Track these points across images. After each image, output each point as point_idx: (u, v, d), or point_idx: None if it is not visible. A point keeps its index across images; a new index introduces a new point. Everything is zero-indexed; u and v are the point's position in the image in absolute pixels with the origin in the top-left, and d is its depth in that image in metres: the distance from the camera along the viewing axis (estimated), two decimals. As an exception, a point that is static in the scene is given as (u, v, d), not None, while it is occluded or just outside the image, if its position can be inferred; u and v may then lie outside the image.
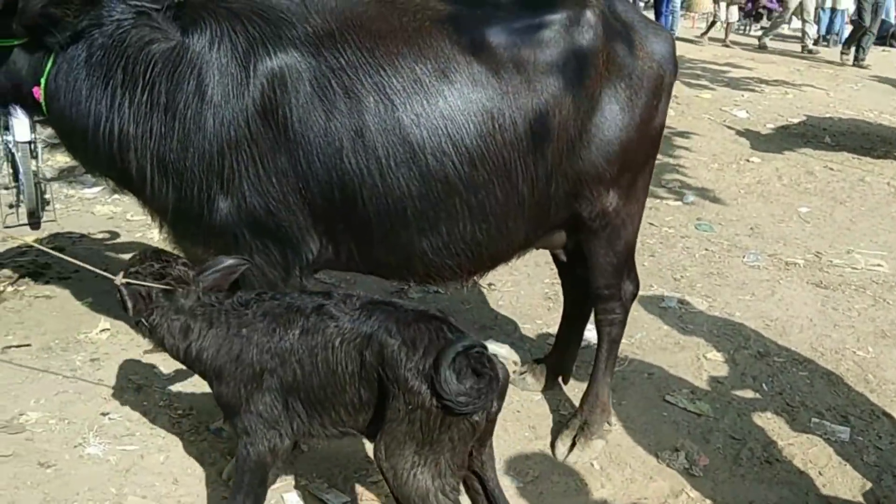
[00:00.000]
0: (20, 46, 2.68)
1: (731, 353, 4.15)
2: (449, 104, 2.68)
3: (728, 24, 15.78)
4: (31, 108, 2.86)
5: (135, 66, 2.61)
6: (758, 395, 3.77)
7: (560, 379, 3.77)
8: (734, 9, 15.79)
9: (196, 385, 3.65)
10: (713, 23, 15.93)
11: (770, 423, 3.57)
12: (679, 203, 6.39)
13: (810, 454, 3.36)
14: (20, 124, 4.73)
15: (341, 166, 2.64)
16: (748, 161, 7.75)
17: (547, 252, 3.56)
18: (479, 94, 2.70)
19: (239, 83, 2.59)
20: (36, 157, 5.10)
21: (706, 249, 5.53)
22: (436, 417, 2.17)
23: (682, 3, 16.43)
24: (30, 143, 4.89)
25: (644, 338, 4.27)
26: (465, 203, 2.79)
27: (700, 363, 4.04)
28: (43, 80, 2.68)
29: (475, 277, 3.18)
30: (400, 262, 2.94)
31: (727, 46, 15.20)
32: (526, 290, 4.81)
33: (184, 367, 3.70)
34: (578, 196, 2.99)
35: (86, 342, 3.87)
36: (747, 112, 9.78)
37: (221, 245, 2.76)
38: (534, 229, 3.05)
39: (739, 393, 3.79)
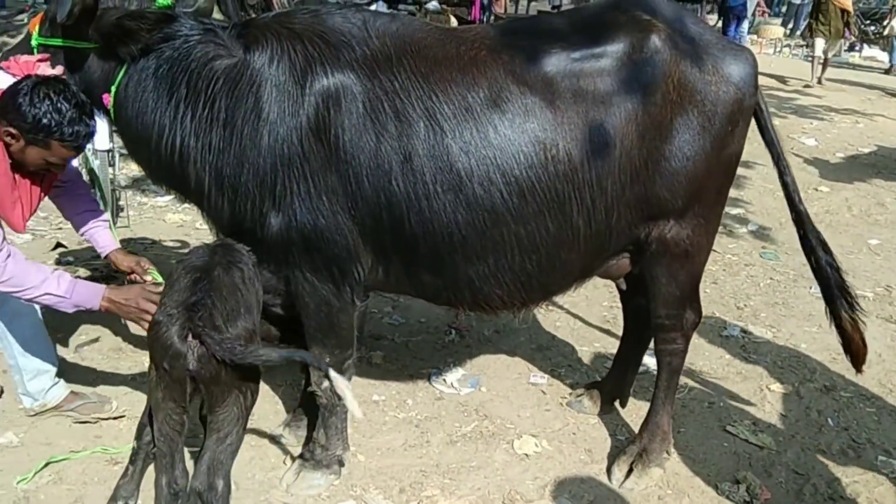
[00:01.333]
0: (95, 52, 2.80)
1: (795, 385, 4.05)
2: (499, 134, 2.67)
3: (826, 60, 13.81)
4: (103, 114, 2.97)
5: (198, 81, 2.70)
6: (823, 430, 3.67)
7: (617, 403, 3.73)
8: (840, 42, 13.65)
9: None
10: (825, 63, 13.80)
11: (835, 459, 3.47)
12: (743, 230, 6.28)
13: (876, 493, 3.25)
14: (99, 133, 4.94)
15: (389, 188, 2.67)
16: (816, 190, 7.57)
17: (606, 274, 3.54)
18: (531, 124, 2.69)
19: (294, 101, 2.65)
20: (113, 166, 5.31)
21: (771, 279, 5.42)
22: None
23: (749, 28, 16.23)
24: (108, 151, 5.10)
25: (705, 366, 4.20)
26: (514, 234, 2.77)
27: (763, 394, 3.95)
28: (113, 88, 2.79)
29: (528, 308, 3.15)
30: (447, 287, 2.94)
31: (819, 85, 13.54)
32: (584, 311, 4.78)
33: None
34: (643, 227, 2.95)
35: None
36: (816, 140, 9.58)
37: (273, 259, 2.83)
38: (591, 261, 3.01)
39: (804, 427, 3.70)
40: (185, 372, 2.35)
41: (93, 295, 2.78)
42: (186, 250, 5.17)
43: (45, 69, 2.78)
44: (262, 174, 2.68)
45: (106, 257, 3.25)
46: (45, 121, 2.59)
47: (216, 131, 2.70)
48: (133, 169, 6.46)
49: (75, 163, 3.20)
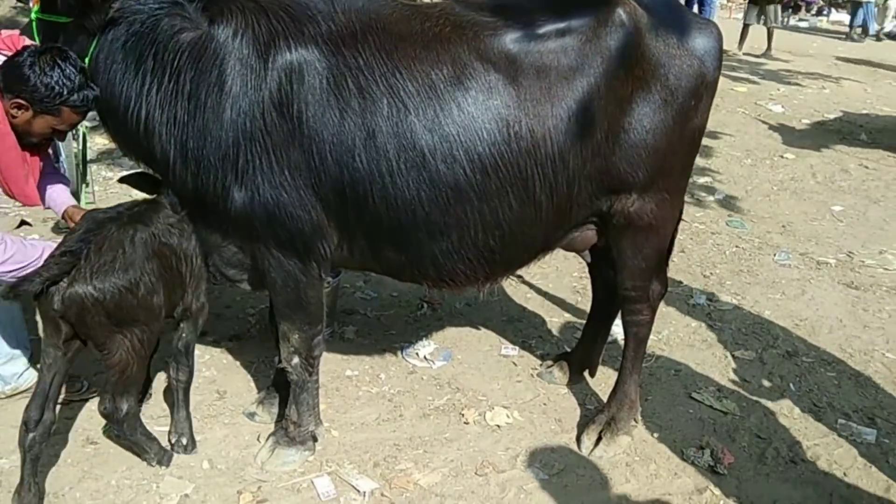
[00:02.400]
0: (70, 26, 2.76)
1: (759, 351, 4.15)
2: (462, 111, 2.67)
3: (771, 28, 13.49)
4: None
5: (164, 54, 2.68)
6: (785, 395, 3.78)
7: (587, 373, 3.80)
8: (777, 9, 13.34)
9: (230, 369, 3.75)
10: (746, 29, 13.64)
11: (796, 423, 3.57)
12: (710, 198, 6.37)
13: (836, 455, 3.37)
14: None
15: (353, 165, 2.67)
16: (782, 157, 7.68)
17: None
18: (494, 101, 2.69)
19: (257, 75, 2.63)
20: (77, 139, 5.22)
21: (737, 247, 5.52)
22: None
23: (719, -6, 16.22)
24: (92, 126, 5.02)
25: (672, 334, 4.29)
26: (476, 210, 2.79)
27: (727, 361, 4.05)
28: (87, 60, 2.77)
29: (491, 283, 3.18)
30: (411, 264, 2.96)
31: (768, 57, 13.32)
32: (554, 283, 4.84)
33: (219, 353, 3.82)
34: (605, 199, 2.98)
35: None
36: (783, 107, 9.68)
37: (238, 233, 2.84)
38: (553, 234, 3.05)
39: (766, 392, 3.80)
40: (50, 312, 2.61)
41: (41, 253, 3.02)
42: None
43: (29, 43, 2.78)
44: (224, 148, 2.67)
45: (63, 216, 3.26)
46: (57, 88, 2.67)
47: (181, 104, 2.68)
48: (98, 142, 6.37)
49: None
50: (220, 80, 2.63)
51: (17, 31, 2.97)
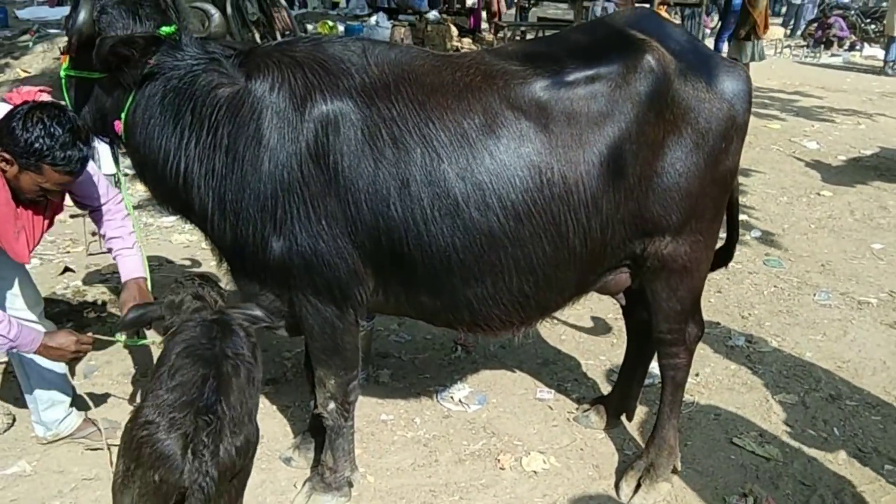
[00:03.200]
0: (107, 81, 2.84)
1: (801, 395, 4.07)
2: (494, 159, 2.71)
3: (746, 65, 11.69)
4: (114, 138, 3.02)
5: (202, 109, 2.75)
6: (829, 440, 3.69)
7: (624, 417, 3.75)
8: (756, 45, 11.98)
9: (266, 413, 3.77)
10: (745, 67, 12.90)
11: (841, 468, 3.48)
12: (747, 237, 6.30)
13: (883, 502, 3.26)
14: (105, 157, 4.99)
15: (388, 213, 2.71)
16: (819, 195, 7.58)
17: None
18: (526, 148, 2.72)
19: (294, 128, 2.69)
20: (119, 187, 5.37)
21: (775, 286, 5.44)
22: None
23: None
24: (113, 175, 5.16)
25: (710, 376, 4.22)
26: (510, 256, 2.80)
27: (769, 405, 3.97)
28: (123, 115, 2.84)
29: (526, 326, 3.17)
30: (446, 309, 2.98)
31: None
32: (589, 325, 4.81)
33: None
34: (638, 242, 2.98)
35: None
36: (818, 143, 9.59)
37: (276, 281, 2.87)
38: (587, 277, 3.04)
39: (810, 437, 3.71)
40: (178, 488, 2.10)
41: (33, 339, 2.90)
42: (191, 270, 5.23)
43: (46, 98, 2.84)
44: (263, 199, 2.72)
45: (123, 286, 3.23)
46: (36, 145, 2.62)
47: (219, 157, 2.75)
48: (139, 190, 6.52)
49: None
50: (258, 133, 2.70)
51: (43, 87, 2.97)
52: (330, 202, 2.72)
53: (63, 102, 2.87)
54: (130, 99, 2.82)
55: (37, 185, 2.76)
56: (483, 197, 2.72)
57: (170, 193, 2.91)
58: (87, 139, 2.76)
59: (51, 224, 3.07)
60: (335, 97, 2.71)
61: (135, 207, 6.11)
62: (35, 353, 2.94)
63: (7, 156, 2.67)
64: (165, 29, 2.80)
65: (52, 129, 2.63)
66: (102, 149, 4.60)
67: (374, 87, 2.75)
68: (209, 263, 5.45)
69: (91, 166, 3.10)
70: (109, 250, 3.29)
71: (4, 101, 2.91)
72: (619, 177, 2.82)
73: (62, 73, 2.93)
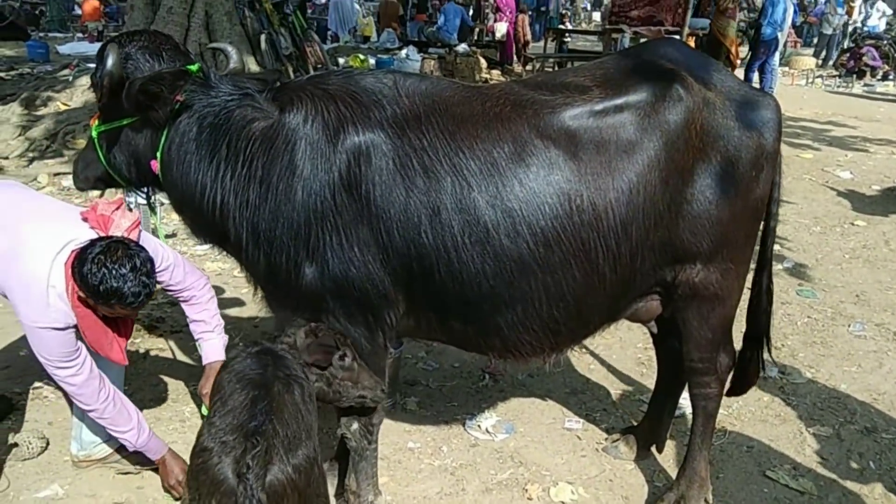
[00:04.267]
0: (138, 125, 2.94)
1: (835, 427, 3.98)
2: (524, 187, 2.73)
3: None
4: (151, 181, 3.10)
5: (237, 143, 2.82)
6: (864, 474, 3.60)
7: (654, 448, 3.70)
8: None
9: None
10: None
11: (877, 503, 3.39)
12: (779, 267, 6.22)
13: (923, 539, 3.18)
14: (135, 194, 5.11)
15: (419, 241, 2.74)
16: (853, 224, 7.48)
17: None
18: (555, 176, 2.74)
19: (327, 158, 2.73)
20: (154, 215, 5.49)
21: (808, 317, 5.35)
22: None
23: (780, 59, 16.17)
24: (148, 203, 5.28)
25: (743, 408, 4.15)
26: (541, 282, 2.81)
27: (803, 437, 3.90)
28: (159, 154, 2.93)
29: (557, 353, 3.17)
30: (477, 335, 2.99)
31: None
32: (618, 354, 4.77)
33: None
34: (668, 269, 2.97)
35: (195, 394, 4.07)
36: (851, 173, 9.48)
37: (308, 308, 2.89)
38: (617, 304, 3.04)
39: (845, 471, 3.63)
40: None
41: (156, 451, 3.24)
42: (222, 297, 5.29)
43: (120, 220, 2.92)
44: (296, 228, 2.77)
45: (205, 367, 3.35)
46: (101, 288, 2.70)
47: (253, 188, 2.80)
48: (174, 219, 6.65)
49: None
50: (292, 164, 2.74)
51: (111, 206, 3.03)
52: (362, 230, 2.75)
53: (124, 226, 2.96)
54: (164, 137, 2.90)
55: (111, 314, 2.88)
56: (513, 224, 2.74)
57: (207, 225, 2.97)
58: (150, 272, 2.82)
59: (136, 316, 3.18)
60: (367, 128, 2.76)
61: (168, 236, 6.26)
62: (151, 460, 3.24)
63: (81, 294, 2.78)
64: (191, 67, 2.89)
65: (115, 272, 2.70)
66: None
67: (406, 118, 2.80)
68: (241, 291, 5.53)
69: (175, 255, 3.21)
70: (193, 332, 3.40)
71: (85, 220, 3.00)
72: (648, 204, 2.82)
73: (94, 134, 3.02)
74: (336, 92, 2.85)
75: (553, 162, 2.76)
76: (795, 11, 17.64)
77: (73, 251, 2.76)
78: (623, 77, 2.95)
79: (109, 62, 2.79)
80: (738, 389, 3.46)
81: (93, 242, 2.75)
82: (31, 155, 8.46)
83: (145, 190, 3.26)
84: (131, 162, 3.04)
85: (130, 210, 3.51)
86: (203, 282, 3.36)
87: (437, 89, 2.93)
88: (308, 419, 2.34)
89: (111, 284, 2.68)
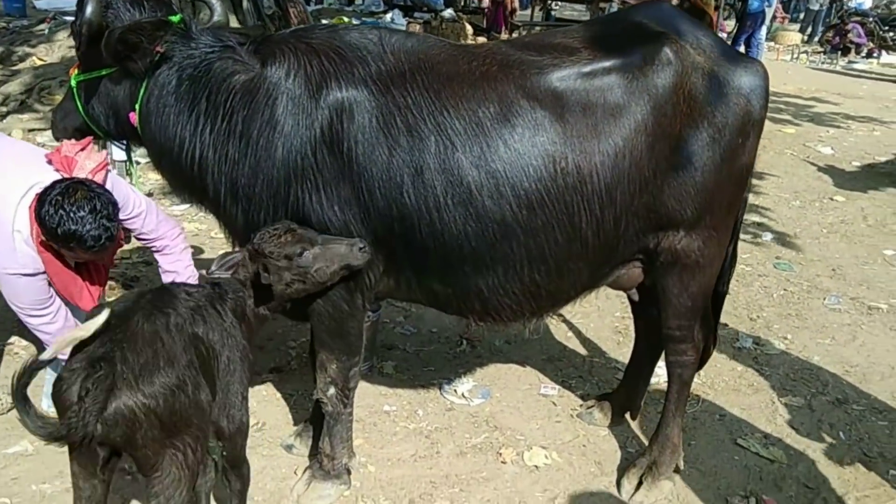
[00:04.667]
0: (117, 75, 2.86)
1: (807, 398, 4.03)
2: (509, 148, 2.69)
3: None
4: (130, 133, 3.02)
5: (217, 96, 2.75)
6: (834, 444, 3.65)
7: (628, 415, 3.73)
8: None
9: (269, 401, 3.77)
10: None
11: (846, 473, 3.45)
12: (758, 240, 6.25)
13: (888, 508, 3.23)
14: (116, 148, 5.02)
15: (401, 201, 2.70)
16: (832, 199, 7.53)
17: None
18: (540, 138, 2.70)
19: (309, 114, 2.67)
20: (130, 175, 5.40)
21: (785, 290, 5.39)
22: None
23: (766, 34, 16.16)
24: (124, 161, 5.19)
25: (716, 378, 4.18)
26: (523, 245, 2.79)
27: (775, 407, 3.94)
28: (138, 106, 2.85)
29: (537, 318, 3.17)
30: (457, 297, 2.97)
31: None
32: (596, 322, 4.79)
33: (259, 384, 3.85)
34: (651, 236, 2.95)
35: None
36: (832, 148, 9.52)
37: None
38: (599, 269, 3.02)
39: (815, 440, 3.68)
40: (86, 437, 2.05)
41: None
42: (198, 257, 5.23)
43: (84, 161, 2.83)
44: (275, 185, 2.71)
45: None
46: (59, 231, 2.63)
47: (233, 143, 2.74)
48: (151, 178, 6.55)
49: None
50: (272, 119, 2.68)
51: (75, 147, 2.93)
52: (343, 188, 2.71)
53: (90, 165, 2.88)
54: (143, 88, 2.82)
55: (74, 258, 2.81)
56: (496, 185, 2.70)
57: (185, 180, 2.91)
58: (112, 216, 2.74)
59: (111, 263, 3.10)
60: (350, 84, 2.70)
61: (147, 195, 6.16)
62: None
63: (44, 238, 2.72)
64: (172, 17, 2.81)
65: (74, 215, 2.63)
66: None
67: (390, 75, 2.74)
68: (217, 252, 5.46)
69: (148, 202, 3.14)
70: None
71: (49, 162, 2.91)
72: (633, 168, 2.79)
73: (73, 83, 2.94)
74: (320, 46, 2.78)
75: (539, 123, 2.72)
76: (784, -15, 17.60)
77: (36, 194, 2.69)
78: (612, 39, 2.90)
79: (89, 10, 2.70)
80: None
81: (53, 184, 2.68)
82: (4, 110, 8.28)
83: (124, 143, 3.19)
84: (110, 113, 2.96)
85: (110, 164, 3.44)
86: (176, 231, 3.30)
87: (423, 47, 2.86)
88: (172, 348, 2.22)
89: (68, 227, 2.62)
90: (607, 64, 2.80)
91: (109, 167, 3.09)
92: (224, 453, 2.64)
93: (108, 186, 2.87)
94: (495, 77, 2.77)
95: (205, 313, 2.46)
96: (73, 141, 2.88)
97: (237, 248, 2.85)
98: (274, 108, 2.69)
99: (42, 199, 2.63)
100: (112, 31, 2.68)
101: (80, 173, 2.80)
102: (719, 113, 2.85)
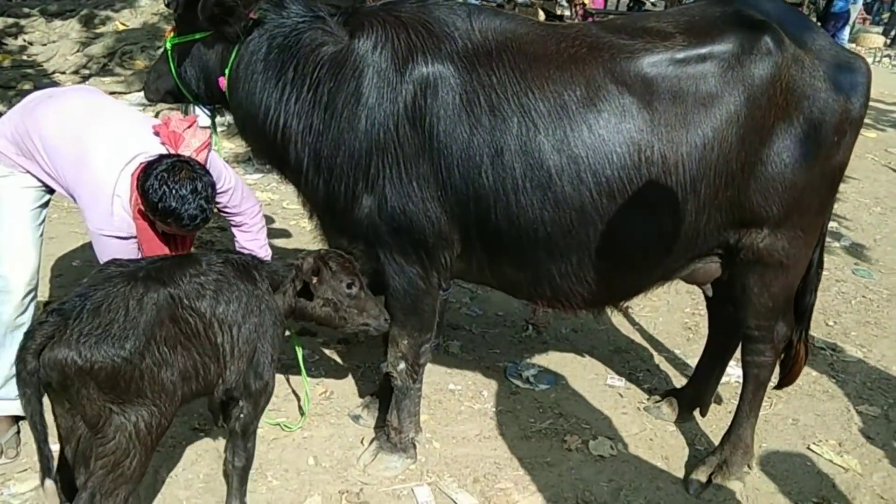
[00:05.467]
0: (210, 39, 2.90)
1: (884, 408, 3.89)
2: (593, 133, 2.63)
3: None
4: (218, 98, 3.06)
5: (304, 66, 2.76)
6: (912, 457, 3.52)
7: (697, 412, 3.65)
8: None
9: (338, 371, 3.82)
10: None
11: (923, 489, 3.32)
12: (836, 245, 6.06)
13: (967, 527, 3.11)
14: (201, 113, 5.11)
15: (479, 181, 2.67)
16: (914, 208, 7.24)
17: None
18: (627, 125, 2.63)
19: (393, 88, 2.67)
20: (216, 135, 5.51)
21: (863, 297, 5.21)
22: None
23: (848, 36, 15.57)
24: (208, 127, 5.28)
25: (791, 382, 4.07)
26: (600, 233, 2.73)
27: (850, 415, 3.82)
28: (227, 70, 2.89)
29: (608, 307, 3.12)
30: (528, 282, 2.94)
31: None
32: (665, 317, 4.70)
33: (327, 351, 3.91)
34: (733, 232, 2.87)
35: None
36: (916, 155, 9.15)
37: (363, 240, 2.88)
38: (676, 262, 2.95)
39: (891, 451, 3.55)
40: (28, 374, 2.11)
41: None
42: (270, 227, 5.31)
43: (191, 139, 2.87)
44: (357, 157, 2.73)
45: None
46: (160, 206, 2.67)
47: (317, 114, 2.76)
48: (226, 146, 6.67)
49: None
50: (357, 92, 2.69)
51: (183, 124, 2.93)
52: (422, 164, 2.70)
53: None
54: (234, 54, 2.86)
55: (167, 230, 2.85)
56: (577, 171, 2.66)
57: (268, 147, 2.94)
58: (210, 197, 2.76)
59: (195, 236, 3.20)
60: (436, 60, 2.68)
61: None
62: None
63: (142, 208, 2.76)
64: None
65: (177, 192, 2.66)
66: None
67: (476, 52, 2.72)
68: (289, 223, 5.55)
69: (237, 179, 3.18)
70: None
71: (156, 134, 2.95)
72: (721, 161, 2.72)
73: (168, 45, 3.00)
74: (408, 20, 2.77)
75: (626, 109, 2.66)
76: (871, -15, 16.93)
77: (140, 164, 2.76)
78: (709, 25, 2.82)
79: None
80: (787, 377, 3.39)
81: (160, 158, 2.73)
82: (86, 72, 8.51)
83: (211, 107, 3.24)
84: (201, 77, 3.01)
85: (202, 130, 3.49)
86: (256, 209, 3.35)
87: (512, 25, 2.83)
88: (136, 320, 2.20)
89: (169, 203, 2.67)
90: (702, 51, 2.72)
91: (212, 146, 3.13)
92: (241, 415, 2.64)
93: (207, 164, 2.91)
94: (584, 60, 2.72)
95: (222, 285, 2.48)
96: (180, 116, 2.93)
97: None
98: (360, 81, 2.69)
99: (147, 171, 2.69)
100: None
101: (185, 151, 2.86)
102: (816, 108, 2.74)
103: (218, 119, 3.45)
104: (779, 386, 3.44)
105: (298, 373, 3.17)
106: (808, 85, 2.74)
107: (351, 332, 2.92)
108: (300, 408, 3.47)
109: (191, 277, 2.42)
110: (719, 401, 3.76)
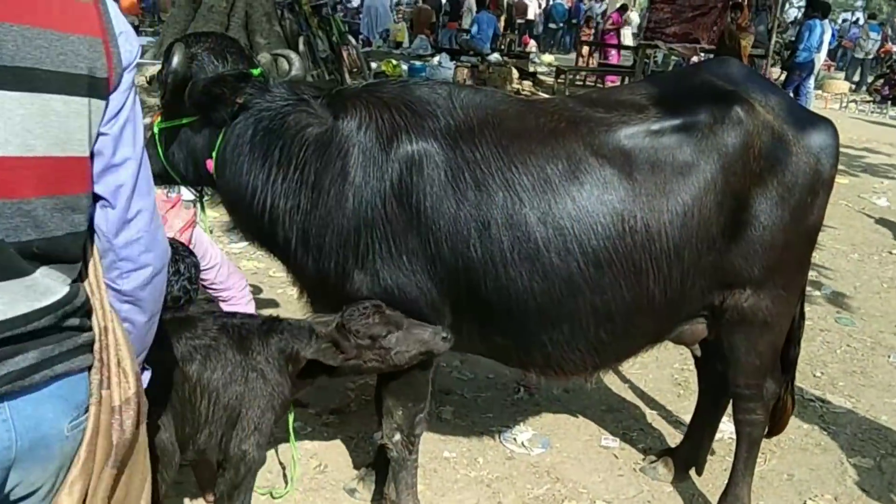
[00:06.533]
0: (197, 124, 2.96)
1: (877, 459, 3.92)
2: (577, 205, 2.69)
3: None
4: (206, 180, 3.11)
5: (290, 147, 2.82)
6: (908, 509, 3.54)
7: (693, 471, 3.66)
8: None
9: (332, 443, 3.79)
10: None
11: (922, 540, 3.34)
12: (817, 294, 6.16)
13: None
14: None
15: (467, 254, 2.72)
16: (891, 253, 7.40)
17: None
18: (609, 196, 2.71)
19: (379, 166, 2.72)
20: (203, 214, 5.53)
21: (848, 345, 5.29)
22: None
23: (814, 83, 16.04)
24: (200, 201, 5.31)
25: (783, 436, 4.03)
26: (589, 302, 2.78)
27: (844, 468, 3.84)
28: (215, 154, 2.94)
29: (599, 372, 3.15)
30: (519, 350, 2.97)
31: None
32: (654, 374, 4.74)
33: (321, 426, 3.87)
34: (718, 293, 2.93)
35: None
36: (888, 200, 9.37)
37: None
38: (663, 326, 3.01)
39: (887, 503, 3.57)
40: None
41: None
42: (257, 296, 5.31)
43: (174, 220, 2.89)
44: (346, 234, 2.76)
45: None
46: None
47: (304, 193, 2.80)
48: (210, 215, 6.68)
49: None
50: (344, 171, 2.74)
51: (166, 205, 2.97)
52: (411, 239, 2.75)
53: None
54: (221, 137, 2.91)
55: None
56: (564, 242, 2.71)
57: (256, 228, 2.98)
58: (193, 279, 2.79)
59: None
60: (420, 138, 2.75)
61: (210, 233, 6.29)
62: None
63: None
64: (253, 70, 2.91)
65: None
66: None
67: (459, 129, 2.78)
68: (276, 291, 5.56)
69: (221, 255, 3.21)
70: None
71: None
72: (702, 227, 2.79)
73: (155, 129, 3.03)
74: (391, 100, 2.84)
75: (607, 181, 2.73)
76: (833, 35, 17.52)
77: None
78: (681, 96, 2.93)
79: (175, 61, 2.81)
80: (775, 428, 3.42)
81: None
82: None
83: (199, 189, 3.28)
84: (189, 160, 3.05)
85: (186, 208, 3.53)
86: (243, 283, 3.37)
87: (492, 102, 2.91)
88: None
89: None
90: (676, 122, 2.81)
91: (198, 222, 3.16)
92: (221, 480, 2.64)
93: (192, 241, 2.92)
94: (563, 133, 2.79)
95: (211, 351, 2.52)
96: (164, 197, 2.96)
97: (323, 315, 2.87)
98: (346, 160, 2.74)
99: None
100: (196, 81, 2.79)
101: (169, 232, 2.89)
102: (789, 172, 2.83)
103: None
104: (769, 435, 3.45)
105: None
106: (780, 150, 2.84)
107: (415, 363, 2.84)
108: (284, 476, 3.44)
109: (186, 339, 2.48)
110: (713, 453, 3.77)
